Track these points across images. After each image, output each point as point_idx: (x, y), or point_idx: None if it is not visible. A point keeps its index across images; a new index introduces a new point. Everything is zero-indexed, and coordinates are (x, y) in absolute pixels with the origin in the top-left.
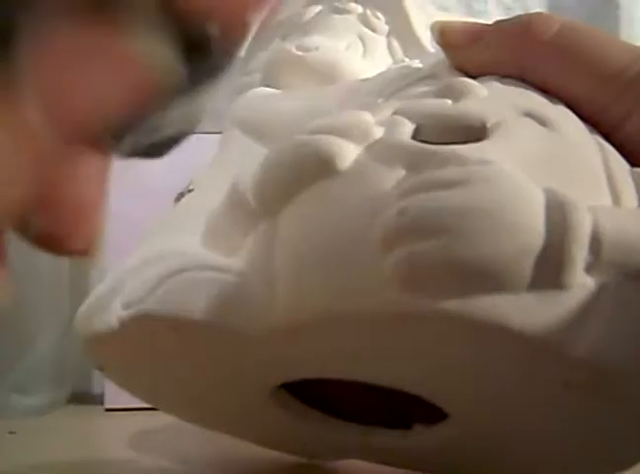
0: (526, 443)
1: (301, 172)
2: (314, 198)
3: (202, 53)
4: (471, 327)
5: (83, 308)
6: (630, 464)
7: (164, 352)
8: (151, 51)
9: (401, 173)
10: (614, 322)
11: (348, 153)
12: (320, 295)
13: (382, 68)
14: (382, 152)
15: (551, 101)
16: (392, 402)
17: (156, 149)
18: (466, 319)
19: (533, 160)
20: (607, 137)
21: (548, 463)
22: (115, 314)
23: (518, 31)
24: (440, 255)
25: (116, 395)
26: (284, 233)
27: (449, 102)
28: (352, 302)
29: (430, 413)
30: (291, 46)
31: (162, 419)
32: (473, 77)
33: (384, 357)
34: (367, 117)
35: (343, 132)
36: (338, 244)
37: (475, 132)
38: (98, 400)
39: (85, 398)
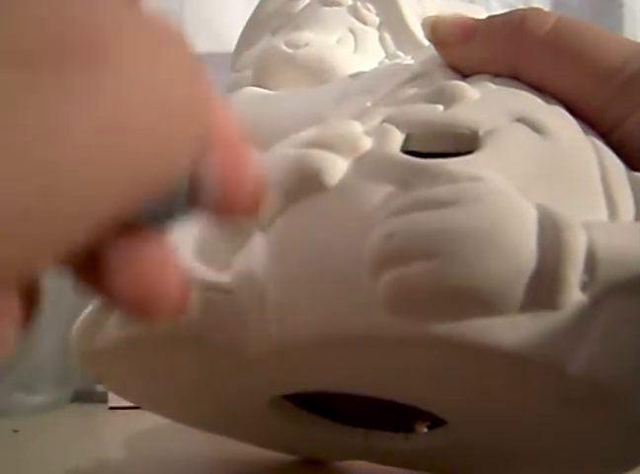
0: (525, 449)
1: (289, 187)
2: (303, 215)
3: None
4: (463, 349)
5: (78, 324)
6: (627, 470)
7: (160, 368)
8: None
9: (390, 189)
10: (611, 338)
11: (336, 168)
12: (309, 317)
13: (374, 62)
14: (371, 166)
15: (546, 101)
16: (393, 405)
17: None
18: (458, 342)
19: (526, 172)
20: (606, 137)
21: (547, 466)
22: (110, 333)
23: (511, 27)
24: (430, 278)
25: None
26: (274, 248)
27: (440, 108)
28: (341, 326)
29: (431, 415)
30: (281, 43)
31: None
32: (466, 74)
33: (378, 375)
34: (356, 127)
35: (331, 146)
36: (326, 264)
37: (466, 141)
38: (102, 398)
39: (89, 396)
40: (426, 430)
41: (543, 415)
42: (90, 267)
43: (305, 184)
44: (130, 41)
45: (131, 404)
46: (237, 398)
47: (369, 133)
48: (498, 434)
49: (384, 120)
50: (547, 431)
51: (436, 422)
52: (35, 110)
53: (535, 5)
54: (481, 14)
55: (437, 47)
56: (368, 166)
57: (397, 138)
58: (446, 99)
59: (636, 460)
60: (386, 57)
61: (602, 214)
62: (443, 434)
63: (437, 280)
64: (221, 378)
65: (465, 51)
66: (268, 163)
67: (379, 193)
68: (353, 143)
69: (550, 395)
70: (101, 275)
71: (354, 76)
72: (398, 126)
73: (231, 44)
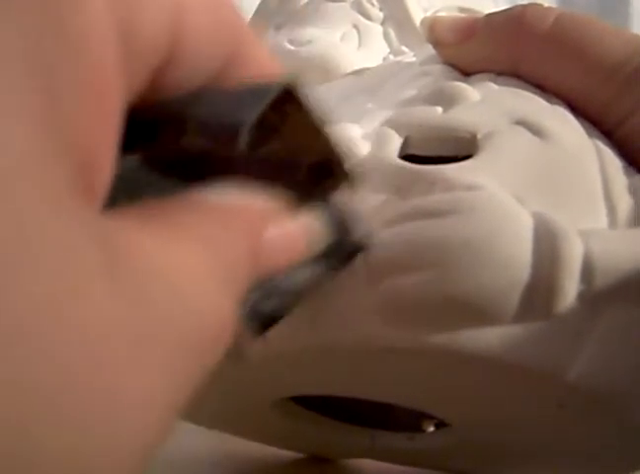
0: (526, 448)
1: None
2: None
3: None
4: (460, 360)
5: None
6: (627, 472)
7: None
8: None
9: (386, 196)
10: (609, 346)
11: None
12: (305, 325)
13: (379, 58)
14: (368, 173)
15: (548, 101)
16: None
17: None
18: (454, 353)
19: (524, 178)
20: (610, 134)
21: (548, 466)
22: None
23: (511, 24)
24: (425, 289)
25: None
26: None
27: (440, 110)
28: (337, 336)
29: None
30: (284, 40)
31: None
32: (468, 73)
33: (377, 381)
34: (355, 131)
35: None
36: None
37: (466, 144)
38: None
39: None
40: (432, 428)
41: (543, 419)
42: None
43: None
44: None
45: None
46: (241, 399)
47: (368, 137)
48: (499, 436)
49: (383, 123)
50: (547, 434)
51: (442, 421)
52: None
53: (541, 1)
54: (488, 7)
55: (436, 48)
56: (366, 172)
57: (395, 143)
58: (446, 100)
59: (636, 463)
60: (390, 53)
61: (603, 220)
62: (446, 434)
63: (431, 292)
64: (223, 380)
65: (466, 51)
66: None
67: (375, 200)
68: (350, 148)
69: (550, 402)
70: None
71: (356, 73)
72: (397, 130)
73: None
